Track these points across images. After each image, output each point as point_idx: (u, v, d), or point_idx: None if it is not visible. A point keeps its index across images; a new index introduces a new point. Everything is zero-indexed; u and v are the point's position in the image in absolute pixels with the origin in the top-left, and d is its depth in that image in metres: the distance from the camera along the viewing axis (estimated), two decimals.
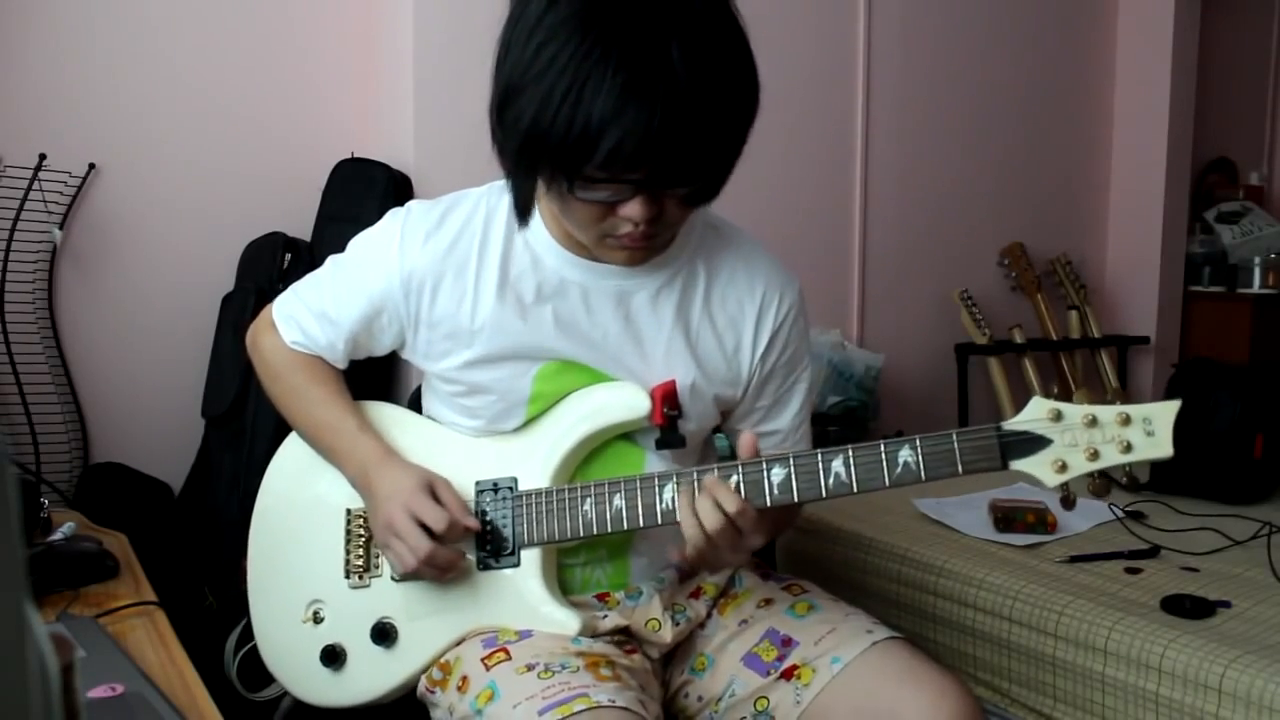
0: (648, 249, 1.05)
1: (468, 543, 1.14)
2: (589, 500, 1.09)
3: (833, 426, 2.47)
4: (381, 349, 1.21)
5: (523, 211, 1.09)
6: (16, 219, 1.90)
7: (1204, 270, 3.50)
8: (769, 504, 1.03)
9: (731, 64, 0.94)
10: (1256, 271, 3.43)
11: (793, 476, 1.01)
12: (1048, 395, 0.99)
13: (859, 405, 2.57)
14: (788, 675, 1.12)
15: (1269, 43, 3.97)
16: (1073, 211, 3.35)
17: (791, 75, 2.64)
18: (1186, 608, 1.44)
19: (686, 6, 0.91)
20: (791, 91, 2.64)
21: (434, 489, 1.12)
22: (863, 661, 1.09)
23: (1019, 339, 3.00)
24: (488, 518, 1.15)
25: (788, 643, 1.14)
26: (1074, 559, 1.65)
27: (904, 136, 2.90)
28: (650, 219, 0.98)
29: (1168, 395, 2.19)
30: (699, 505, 1.02)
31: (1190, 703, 1.32)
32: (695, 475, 1.05)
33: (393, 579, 1.18)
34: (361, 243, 1.20)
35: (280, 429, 1.32)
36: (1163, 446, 0.93)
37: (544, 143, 0.92)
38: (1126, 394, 1.02)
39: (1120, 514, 1.86)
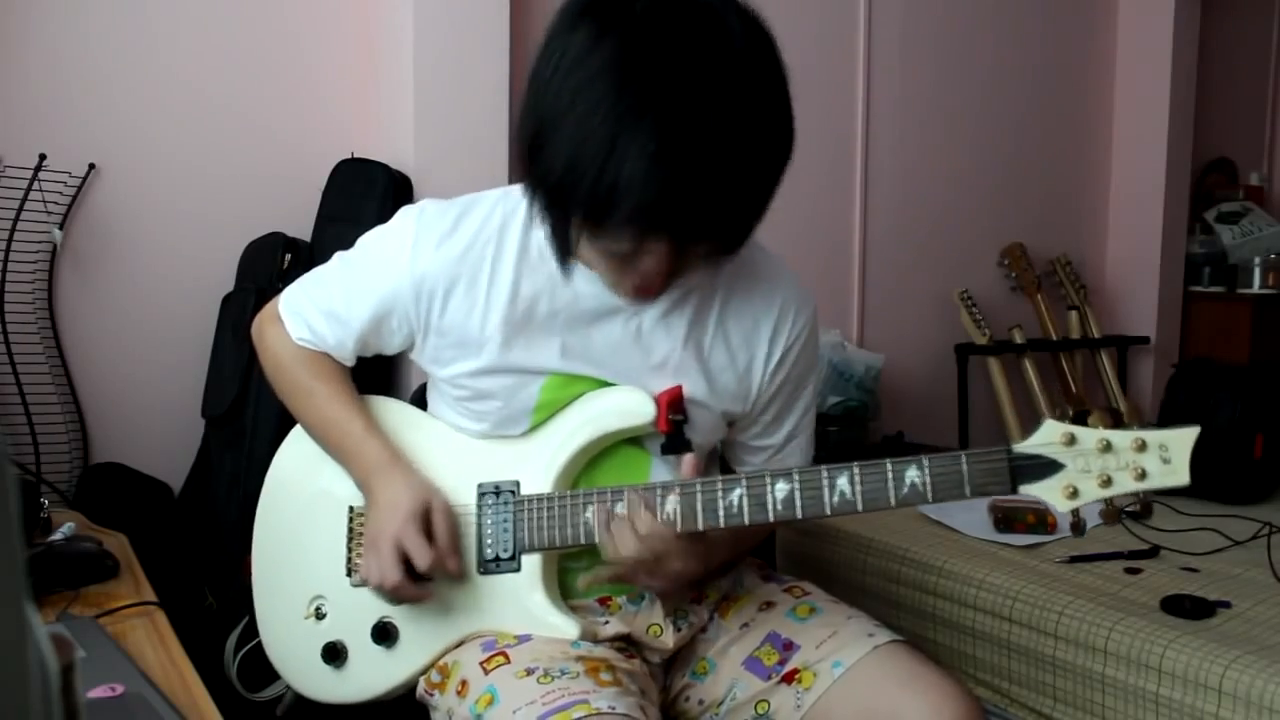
0: (661, 292, 1.04)
1: (467, 548, 1.14)
2: (590, 507, 1.09)
3: (832, 427, 2.47)
4: (391, 349, 1.20)
5: (563, 255, 1.03)
6: (16, 219, 1.90)
7: (1204, 270, 3.49)
8: (771, 519, 1.02)
9: (768, 121, 0.94)
10: (1256, 271, 3.42)
11: (797, 493, 1.01)
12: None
13: (859, 405, 2.57)
14: (789, 679, 1.11)
15: (1269, 43, 3.97)
16: (1073, 211, 3.35)
17: (792, 75, 2.63)
18: (1186, 608, 1.44)
19: (729, 58, 0.90)
20: (791, 91, 2.63)
21: (431, 516, 1.10)
22: (864, 665, 1.09)
23: (1019, 339, 2.99)
24: (488, 521, 1.15)
25: (789, 646, 1.14)
26: (1074, 559, 1.65)
27: (904, 137, 2.90)
28: (668, 271, 0.98)
29: (1167, 395, 2.20)
30: (614, 526, 1.03)
31: (1190, 703, 1.32)
32: (616, 494, 1.06)
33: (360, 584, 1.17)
34: (373, 241, 1.18)
35: (280, 429, 1.31)
36: (1179, 474, 0.92)
37: (573, 192, 0.90)
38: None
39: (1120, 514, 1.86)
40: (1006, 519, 1.80)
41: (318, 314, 1.20)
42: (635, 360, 1.12)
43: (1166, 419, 2.15)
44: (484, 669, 1.08)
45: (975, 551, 1.70)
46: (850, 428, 2.51)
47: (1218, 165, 3.79)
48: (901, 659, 1.10)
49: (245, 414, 1.94)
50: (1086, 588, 1.54)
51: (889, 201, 2.88)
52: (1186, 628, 1.39)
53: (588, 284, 1.09)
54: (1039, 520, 1.79)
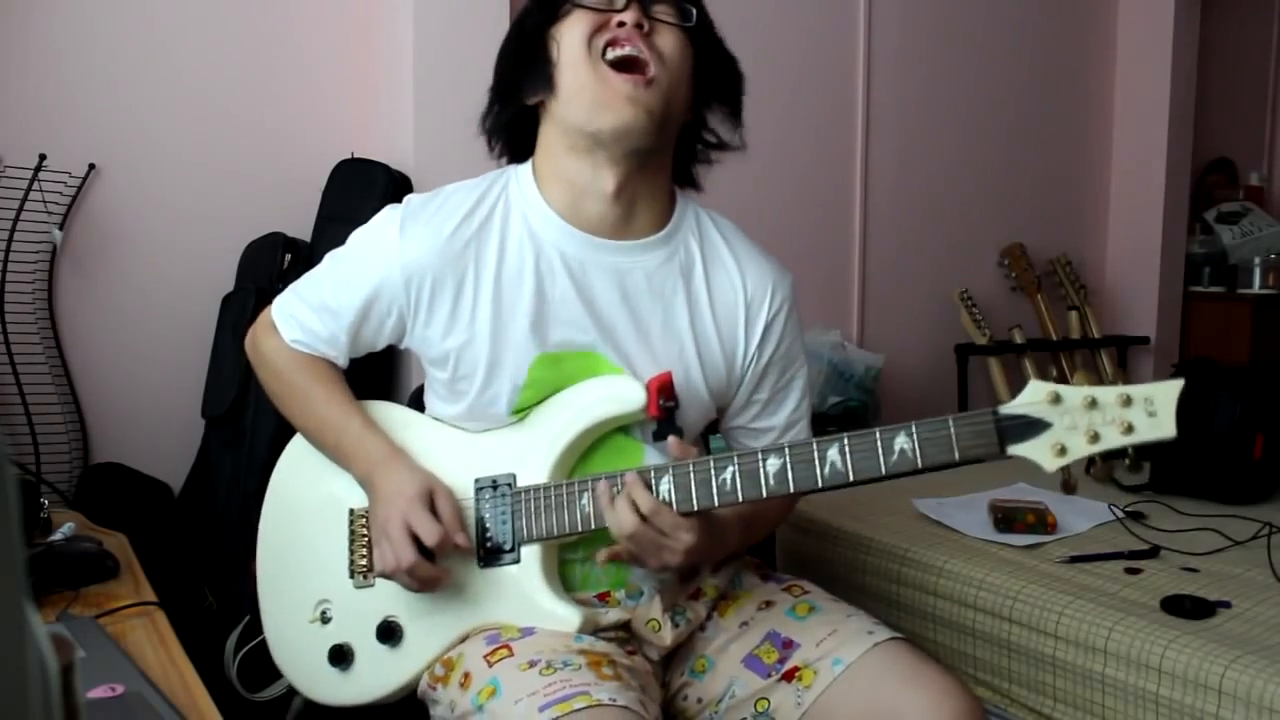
0: (648, 80, 1.08)
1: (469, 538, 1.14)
2: (586, 494, 1.10)
3: (832, 427, 2.47)
4: (382, 340, 1.21)
5: (520, 145, 1.20)
6: (16, 219, 1.90)
7: (1204, 270, 3.50)
8: (764, 495, 1.03)
9: None
10: (1256, 272, 3.42)
11: (788, 466, 1.01)
12: (1045, 379, 0.98)
13: (859, 406, 2.57)
14: (789, 677, 1.12)
15: (1269, 43, 3.97)
16: (1073, 211, 3.35)
17: (791, 76, 2.64)
18: (1186, 608, 1.44)
19: None
20: (791, 91, 2.64)
21: (434, 498, 1.12)
22: (864, 663, 1.09)
23: (1019, 339, 3.00)
24: (487, 515, 1.15)
25: (789, 644, 1.14)
26: (1074, 559, 1.65)
27: (904, 137, 2.90)
28: (639, 23, 1.07)
29: None
30: (617, 505, 1.04)
31: (1190, 703, 1.32)
32: (612, 479, 1.06)
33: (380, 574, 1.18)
34: (360, 236, 1.20)
35: (280, 429, 1.31)
36: (1165, 427, 0.91)
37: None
38: (1126, 375, 1.01)
39: (1120, 514, 1.86)
40: (1006, 519, 1.80)
41: (309, 311, 1.21)
42: (621, 316, 1.15)
43: None
44: (487, 662, 1.09)
45: (975, 551, 1.70)
46: (850, 428, 2.50)
47: (1218, 165, 3.79)
48: (902, 656, 1.10)
49: (245, 414, 1.94)
50: (1086, 588, 1.54)
51: (889, 202, 2.89)
52: (1186, 628, 1.39)
53: (572, 243, 1.13)
54: (1039, 520, 1.79)
